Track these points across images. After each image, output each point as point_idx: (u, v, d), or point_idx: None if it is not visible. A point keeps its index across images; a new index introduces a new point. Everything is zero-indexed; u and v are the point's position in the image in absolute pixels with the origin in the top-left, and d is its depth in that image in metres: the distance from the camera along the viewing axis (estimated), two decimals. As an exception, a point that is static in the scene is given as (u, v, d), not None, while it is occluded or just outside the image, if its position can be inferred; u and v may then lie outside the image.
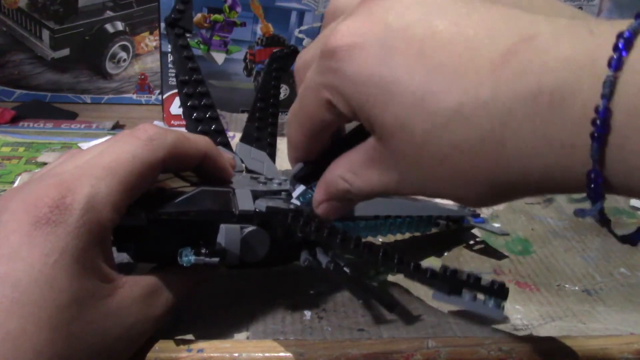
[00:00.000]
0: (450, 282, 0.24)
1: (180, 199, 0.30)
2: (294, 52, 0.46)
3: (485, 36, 0.21)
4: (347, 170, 0.26)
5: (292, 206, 0.32)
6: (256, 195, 0.33)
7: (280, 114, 0.43)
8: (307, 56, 0.27)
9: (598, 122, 0.18)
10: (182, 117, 0.40)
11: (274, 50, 0.44)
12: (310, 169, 0.31)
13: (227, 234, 0.30)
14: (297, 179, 0.32)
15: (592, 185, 0.19)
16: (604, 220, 0.21)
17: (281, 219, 0.31)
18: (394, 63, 0.22)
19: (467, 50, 0.21)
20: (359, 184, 0.26)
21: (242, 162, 0.38)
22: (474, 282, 0.24)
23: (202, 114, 0.39)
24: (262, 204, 0.31)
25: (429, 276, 0.24)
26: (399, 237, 0.44)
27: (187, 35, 0.41)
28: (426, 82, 0.21)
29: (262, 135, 0.41)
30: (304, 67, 0.27)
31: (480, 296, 0.29)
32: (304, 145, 0.28)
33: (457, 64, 0.21)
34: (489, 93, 0.20)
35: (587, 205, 0.20)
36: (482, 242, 0.45)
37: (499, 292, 0.24)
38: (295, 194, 0.32)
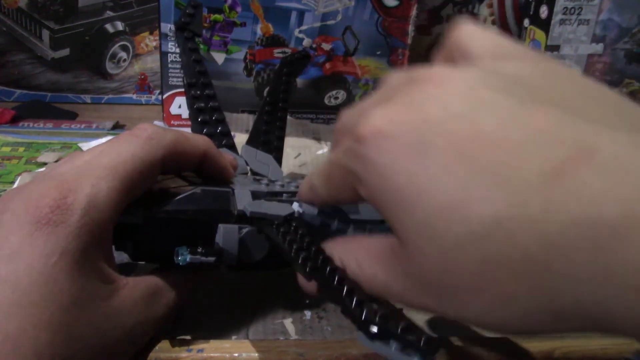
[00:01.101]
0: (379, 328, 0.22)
1: (178, 197, 0.30)
2: (304, 58, 0.46)
3: (537, 143, 0.18)
4: (353, 259, 0.24)
5: (296, 208, 0.32)
6: (256, 195, 0.32)
7: (289, 116, 0.43)
8: (348, 120, 0.24)
9: None
10: (189, 119, 0.40)
11: (286, 55, 0.44)
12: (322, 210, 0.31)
13: (224, 233, 0.30)
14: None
15: None
16: None
17: (266, 225, 0.30)
18: (428, 160, 0.19)
19: (515, 157, 0.18)
20: (362, 279, 0.23)
21: (247, 164, 0.38)
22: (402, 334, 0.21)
23: (208, 116, 0.39)
24: (248, 208, 0.31)
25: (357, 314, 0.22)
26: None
27: (197, 39, 0.42)
28: (464, 187, 0.18)
29: (269, 139, 0.41)
30: (343, 132, 0.24)
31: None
32: (326, 200, 0.27)
33: (503, 171, 0.18)
34: (538, 211, 0.17)
35: None
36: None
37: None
38: (296, 204, 0.32)
